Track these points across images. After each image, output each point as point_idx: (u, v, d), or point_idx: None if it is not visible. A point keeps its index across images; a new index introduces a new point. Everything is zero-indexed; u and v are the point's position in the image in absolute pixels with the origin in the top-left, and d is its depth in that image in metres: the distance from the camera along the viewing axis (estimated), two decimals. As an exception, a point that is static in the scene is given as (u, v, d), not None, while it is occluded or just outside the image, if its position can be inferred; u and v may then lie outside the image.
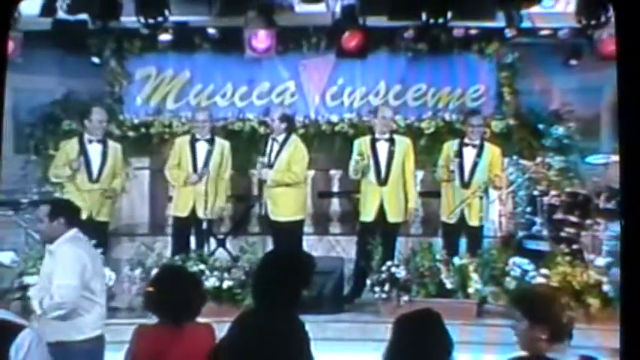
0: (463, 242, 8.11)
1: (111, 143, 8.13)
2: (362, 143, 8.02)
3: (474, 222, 8.01)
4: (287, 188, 7.92)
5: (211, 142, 8.11)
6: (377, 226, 7.90)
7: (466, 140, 8.08)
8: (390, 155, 7.90)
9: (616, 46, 3.77)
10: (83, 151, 7.88)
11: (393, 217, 7.88)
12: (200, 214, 7.97)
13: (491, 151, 8.12)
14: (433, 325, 3.55)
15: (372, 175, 7.89)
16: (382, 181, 7.90)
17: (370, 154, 7.91)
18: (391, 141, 7.96)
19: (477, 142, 8.07)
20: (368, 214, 7.95)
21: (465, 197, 7.94)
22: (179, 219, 8.13)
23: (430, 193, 8.82)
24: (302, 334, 3.74)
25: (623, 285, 3.42)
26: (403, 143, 8.04)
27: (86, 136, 7.94)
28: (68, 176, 7.84)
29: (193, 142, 8.10)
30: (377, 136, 7.98)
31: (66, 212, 5.24)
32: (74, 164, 7.75)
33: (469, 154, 8.03)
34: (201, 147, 8.05)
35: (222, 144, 8.22)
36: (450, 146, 8.15)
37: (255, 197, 8.56)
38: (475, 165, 8.00)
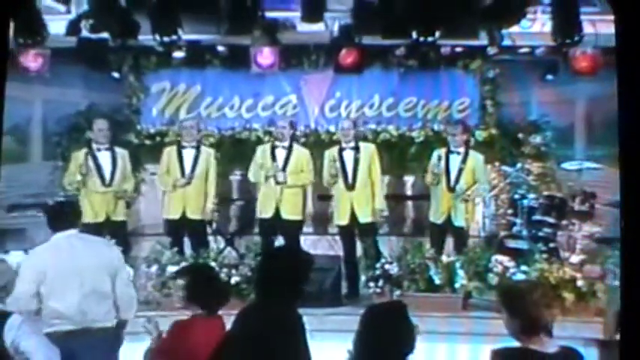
0: (450, 241, 8.12)
1: (118, 150, 8.20)
2: (331, 153, 8.06)
3: (459, 223, 8.02)
4: (297, 189, 8.02)
5: (197, 148, 8.17)
6: (352, 228, 7.96)
7: (452, 148, 8.09)
8: (356, 162, 7.94)
9: (616, 47, 3.57)
10: (93, 158, 7.94)
11: (363, 218, 7.91)
12: (190, 215, 8.03)
13: (475, 158, 8.12)
14: (398, 314, 3.53)
15: (341, 182, 7.92)
16: (350, 187, 7.92)
17: (338, 162, 7.94)
18: (356, 149, 7.99)
19: (462, 150, 8.08)
20: (342, 218, 8.01)
21: (451, 200, 7.96)
22: (171, 221, 8.18)
23: (422, 196, 8.74)
24: (299, 325, 3.75)
25: (623, 285, 3.32)
26: (368, 149, 8.09)
27: (94, 145, 8.02)
28: (79, 182, 7.85)
29: (180, 149, 8.15)
30: (343, 145, 8.03)
31: (53, 217, 5.12)
32: (82, 169, 7.81)
33: (454, 160, 8.04)
34: (188, 153, 8.11)
35: (208, 151, 8.30)
36: (437, 154, 8.14)
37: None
38: (460, 171, 8.01)
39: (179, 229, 8.15)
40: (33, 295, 4.75)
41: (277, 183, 7.98)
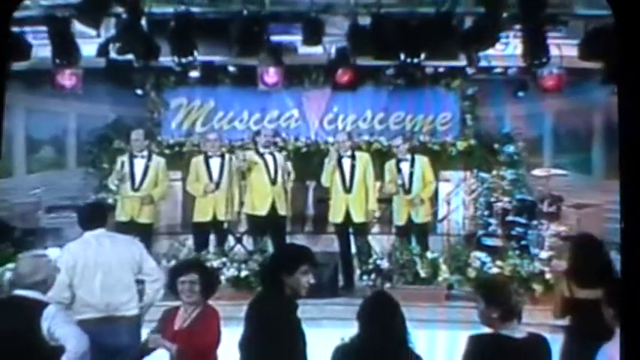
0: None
1: (155, 157, 8.16)
2: (330, 160, 8.04)
3: (421, 220, 8.06)
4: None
5: (222, 157, 8.13)
6: (347, 227, 7.94)
7: (400, 157, 8.16)
8: (352, 169, 7.91)
9: (616, 49, 3.39)
10: (130, 164, 7.91)
11: (357, 218, 7.88)
12: (220, 217, 7.96)
13: (421, 160, 8.20)
14: (390, 303, 3.55)
15: (339, 185, 7.91)
16: (347, 190, 7.89)
17: (337, 169, 7.92)
18: (353, 157, 7.98)
19: (408, 157, 8.13)
20: (338, 217, 7.96)
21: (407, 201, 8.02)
22: (202, 223, 8.09)
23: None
24: (296, 314, 3.75)
25: (623, 286, 3.12)
26: (363, 158, 8.09)
27: (132, 153, 7.98)
28: (117, 185, 7.87)
29: (207, 159, 8.10)
30: (341, 153, 8.00)
31: (84, 217, 5.15)
32: (119, 175, 7.82)
33: (405, 167, 8.10)
34: (214, 162, 8.06)
35: (232, 159, 8.21)
36: (390, 165, 8.24)
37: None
38: (411, 175, 8.06)
39: (208, 230, 8.08)
40: (66, 286, 4.76)
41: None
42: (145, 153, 8.05)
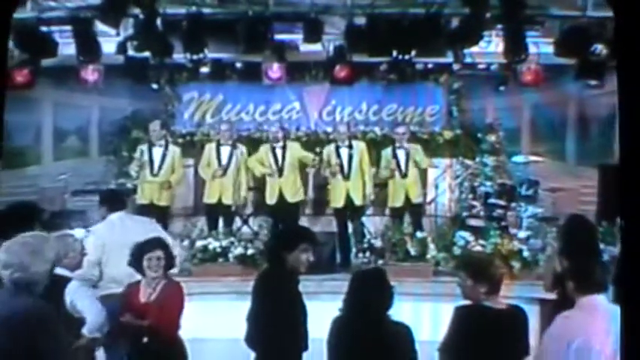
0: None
1: (171, 147, 8.15)
2: (329, 149, 8.05)
3: (416, 200, 8.05)
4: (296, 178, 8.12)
5: (232, 146, 8.09)
6: (347, 210, 7.93)
7: (397, 145, 8.11)
8: (350, 157, 7.90)
9: (616, 49, 3.35)
10: (149, 153, 7.91)
11: (358, 201, 7.88)
12: (225, 200, 7.96)
13: (415, 149, 8.13)
14: (380, 277, 3.58)
15: (338, 173, 7.90)
16: (346, 177, 7.88)
17: (335, 158, 7.92)
18: (350, 147, 7.96)
19: (406, 146, 8.08)
20: (338, 202, 7.94)
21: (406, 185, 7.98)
22: (210, 205, 8.11)
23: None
24: (297, 288, 3.78)
25: (623, 287, 2.84)
26: (359, 147, 8.08)
27: (151, 142, 7.98)
28: (136, 172, 7.87)
29: (218, 146, 8.09)
30: (339, 143, 8.00)
31: (107, 202, 5.19)
32: (139, 162, 7.85)
33: (401, 154, 8.05)
34: (225, 150, 8.04)
35: (241, 148, 8.21)
36: (386, 152, 8.19)
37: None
38: (407, 162, 8.03)
39: (216, 211, 8.08)
40: (95, 264, 4.80)
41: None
42: (163, 142, 8.04)
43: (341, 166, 7.90)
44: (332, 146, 8.07)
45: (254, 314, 3.76)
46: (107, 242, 4.88)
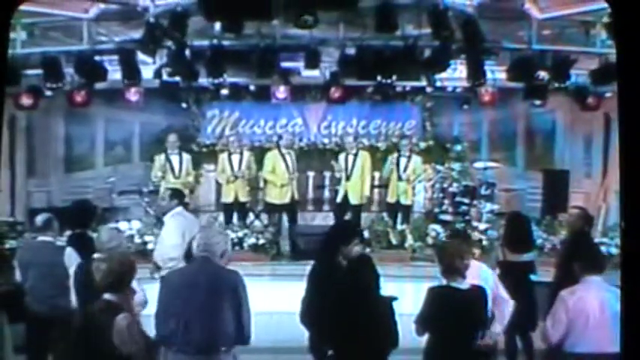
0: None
1: (184, 154, 8.05)
2: (339, 156, 8.04)
3: (406, 202, 7.98)
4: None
5: (241, 154, 7.98)
6: (344, 206, 7.87)
7: (402, 153, 8.11)
8: (353, 163, 7.87)
9: (616, 49, 2.84)
10: (168, 160, 7.83)
11: (354, 200, 7.83)
12: (241, 199, 7.90)
13: (416, 159, 8.12)
14: (367, 262, 3.56)
15: (343, 175, 7.88)
16: (347, 178, 7.84)
17: (342, 163, 7.91)
18: (356, 155, 7.93)
19: (407, 155, 8.06)
20: (337, 198, 7.94)
21: (401, 188, 7.90)
22: (227, 204, 8.03)
23: (385, 185, 8.61)
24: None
25: (623, 285, 2.48)
26: (363, 155, 8.04)
27: (168, 151, 7.90)
28: (159, 177, 7.75)
29: (229, 155, 7.98)
30: (348, 151, 7.98)
31: (177, 197, 5.24)
32: (163, 168, 7.76)
33: (403, 161, 8.03)
34: (235, 158, 7.94)
35: (249, 155, 8.10)
36: (391, 158, 8.19)
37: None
38: (406, 168, 7.98)
39: (233, 208, 7.99)
40: (178, 245, 4.62)
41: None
42: (177, 151, 7.93)
43: (345, 169, 7.87)
44: (343, 154, 8.04)
45: (306, 295, 3.73)
46: (186, 230, 4.78)
